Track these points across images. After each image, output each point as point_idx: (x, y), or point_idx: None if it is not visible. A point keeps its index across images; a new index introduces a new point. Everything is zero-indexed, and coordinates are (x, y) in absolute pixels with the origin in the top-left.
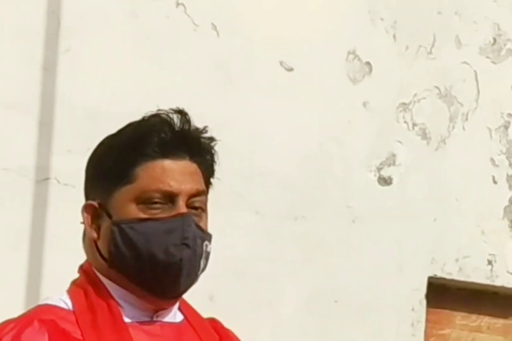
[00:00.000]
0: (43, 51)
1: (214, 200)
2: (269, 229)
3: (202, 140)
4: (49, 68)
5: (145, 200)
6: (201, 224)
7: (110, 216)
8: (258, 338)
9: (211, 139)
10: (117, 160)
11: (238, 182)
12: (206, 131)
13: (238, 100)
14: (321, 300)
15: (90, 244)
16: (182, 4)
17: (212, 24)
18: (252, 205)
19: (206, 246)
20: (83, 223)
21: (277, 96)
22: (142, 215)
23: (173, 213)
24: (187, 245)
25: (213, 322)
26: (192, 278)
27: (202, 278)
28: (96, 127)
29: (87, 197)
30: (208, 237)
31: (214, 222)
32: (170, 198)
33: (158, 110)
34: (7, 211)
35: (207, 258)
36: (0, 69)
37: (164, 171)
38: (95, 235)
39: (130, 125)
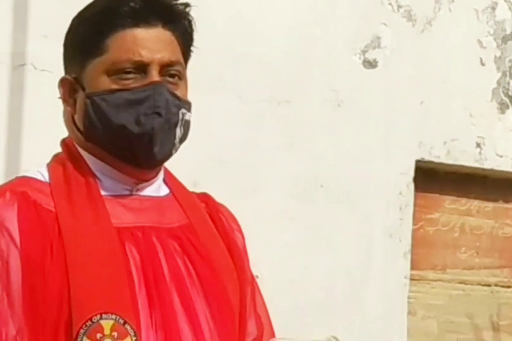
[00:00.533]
0: None
1: (194, 84)
2: (252, 114)
3: (176, 6)
4: None
5: (116, 71)
6: (178, 93)
7: (84, 89)
8: (242, 224)
9: (186, 5)
10: (88, 32)
11: (219, 65)
12: None
13: None
14: (307, 185)
15: (68, 118)
16: None
17: None
18: (233, 90)
19: (183, 114)
20: (60, 97)
21: None
22: (114, 86)
23: (145, 81)
24: (158, 114)
25: (204, 197)
26: (168, 148)
27: (185, 164)
28: (72, 13)
29: (65, 72)
30: (186, 105)
31: (194, 107)
32: (142, 67)
33: None
34: None
35: (185, 127)
36: None
37: (135, 40)
38: (71, 108)
39: None
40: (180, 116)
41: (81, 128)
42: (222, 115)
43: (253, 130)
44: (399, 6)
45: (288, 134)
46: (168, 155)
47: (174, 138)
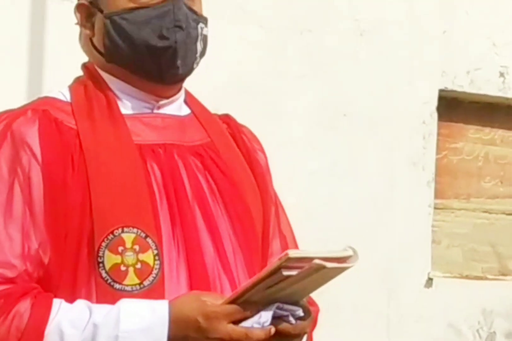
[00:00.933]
0: None
1: (217, 13)
2: (274, 43)
3: None
4: None
5: None
6: (195, 8)
7: (101, 11)
8: (266, 152)
9: None
10: None
11: None
12: None
13: None
14: (330, 114)
15: (86, 42)
16: None
17: None
18: (255, 19)
19: (202, 28)
20: (77, 23)
21: None
22: (132, 4)
23: None
24: (180, 27)
25: (226, 117)
26: (190, 61)
27: (209, 91)
28: None
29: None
30: (203, 20)
31: (215, 35)
32: None
33: None
34: (6, 25)
35: (204, 41)
36: None
37: None
38: (89, 32)
39: None
40: (199, 30)
41: (102, 49)
42: (244, 43)
43: (275, 58)
44: None
45: (311, 63)
46: (190, 69)
47: (196, 52)
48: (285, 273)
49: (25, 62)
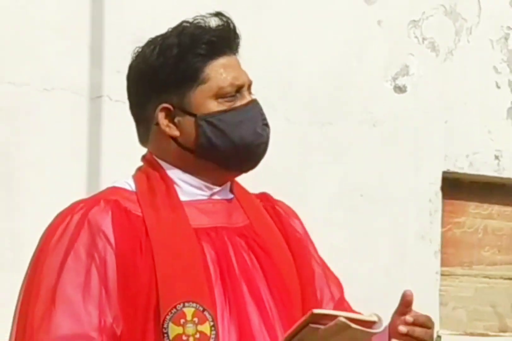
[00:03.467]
0: None
1: None
2: (299, 134)
3: (237, 36)
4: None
5: (222, 94)
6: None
7: (190, 114)
8: None
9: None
10: (185, 68)
11: (270, 93)
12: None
13: (271, 25)
14: (348, 195)
15: (162, 140)
16: None
17: None
18: (283, 114)
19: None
20: (157, 124)
21: (304, 18)
22: (222, 107)
23: (244, 101)
24: (267, 125)
25: (262, 195)
26: (265, 150)
27: (241, 177)
28: None
29: (143, 101)
30: None
31: None
32: (238, 89)
33: (195, 17)
34: (67, 125)
35: None
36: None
37: (226, 67)
38: (176, 132)
39: (177, 29)
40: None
41: (192, 147)
42: (273, 135)
43: (301, 148)
44: (424, 39)
45: (331, 151)
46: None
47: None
48: (312, 325)
49: (85, 159)
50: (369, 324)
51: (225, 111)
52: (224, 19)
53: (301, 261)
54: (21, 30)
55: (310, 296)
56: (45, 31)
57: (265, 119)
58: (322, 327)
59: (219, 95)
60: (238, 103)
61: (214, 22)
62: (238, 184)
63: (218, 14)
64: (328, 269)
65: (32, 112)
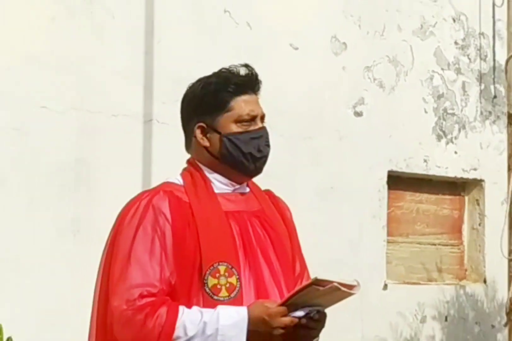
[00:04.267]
0: (143, 41)
1: None
2: (288, 146)
3: (259, 82)
4: (149, 52)
5: (241, 121)
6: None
7: (218, 132)
8: None
9: (260, 81)
10: (218, 97)
11: (268, 116)
12: (258, 77)
13: (269, 69)
14: (322, 188)
15: (199, 149)
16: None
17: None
18: (277, 131)
19: None
20: (195, 136)
21: (293, 63)
22: (239, 129)
23: (257, 127)
24: (268, 145)
25: (268, 192)
26: (264, 164)
27: None
28: (182, 87)
29: (189, 120)
30: None
31: None
32: (253, 118)
33: (230, 66)
34: (128, 140)
35: None
36: (116, 52)
37: (246, 103)
38: (207, 144)
39: (217, 74)
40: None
41: (218, 155)
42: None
43: (289, 155)
44: (375, 79)
45: (311, 158)
46: (262, 169)
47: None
48: (315, 287)
49: (140, 164)
50: (351, 287)
51: (241, 132)
52: (250, 69)
53: (291, 238)
54: (97, 74)
55: (294, 260)
56: (113, 74)
57: (267, 141)
58: (321, 288)
59: (238, 121)
60: (251, 128)
61: (242, 70)
62: (252, 182)
63: (246, 65)
64: (301, 251)
65: (105, 131)
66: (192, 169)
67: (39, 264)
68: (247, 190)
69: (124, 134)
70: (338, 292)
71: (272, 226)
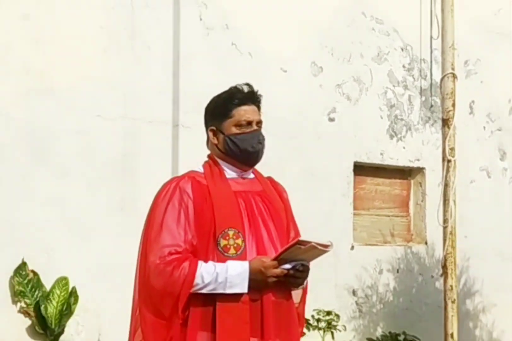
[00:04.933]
0: (172, 66)
1: None
2: (277, 143)
3: (259, 95)
4: (175, 74)
5: (239, 125)
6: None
7: (223, 133)
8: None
9: (260, 95)
10: (224, 108)
11: (265, 122)
12: (258, 92)
13: (264, 85)
14: (304, 175)
15: (212, 146)
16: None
17: None
18: (268, 131)
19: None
20: (209, 136)
21: (280, 84)
22: (238, 131)
23: (251, 129)
24: (260, 143)
25: (269, 178)
26: (260, 157)
27: None
28: (200, 100)
29: (206, 124)
30: (264, 139)
31: None
32: (249, 123)
33: (237, 84)
34: (160, 141)
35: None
36: (152, 75)
37: (245, 111)
38: (217, 142)
39: (226, 91)
40: (264, 144)
41: (223, 150)
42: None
43: (279, 151)
44: (343, 93)
45: (294, 152)
46: (259, 161)
47: (262, 153)
48: (298, 246)
49: (170, 159)
50: (326, 246)
51: (238, 134)
52: (251, 86)
53: (287, 212)
54: (137, 91)
55: (289, 229)
56: (149, 91)
57: (259, 140)
58: (303, 247)
59: (237, 125)
60: (247, 130)
61: (246, 88)
62: (257, 171)
63: (248, 84)
64: (295, 221)
65: (143, 133)
66: (210, 161)
67: (96, 230)
68: (252, 176)
69: (158, 136)
70: (316, 250)
71: (271, 203)
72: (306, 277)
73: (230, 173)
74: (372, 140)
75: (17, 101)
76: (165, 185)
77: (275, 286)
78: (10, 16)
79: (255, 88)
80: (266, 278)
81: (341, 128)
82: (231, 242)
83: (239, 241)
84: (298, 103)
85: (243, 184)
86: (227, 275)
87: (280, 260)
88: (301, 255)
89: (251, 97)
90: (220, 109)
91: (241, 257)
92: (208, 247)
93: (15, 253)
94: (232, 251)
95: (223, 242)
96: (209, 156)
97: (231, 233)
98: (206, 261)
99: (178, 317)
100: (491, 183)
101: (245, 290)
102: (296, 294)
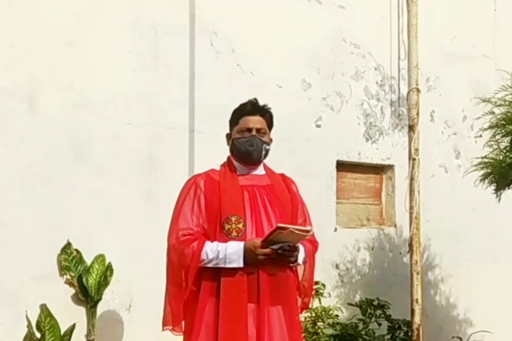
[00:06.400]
0: (188, 82)
1: None
2: (273, 145)
3: (265, 108)
4: (191, 89)
5: (242, 131)
6: (264, 139)
7: (231, 138)
8: None
9: (269, 108)
10: (235, 117)
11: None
12: (266, 106)
13: (265, 102)
14: (293, 171)
15: (229, 148)
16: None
17: None
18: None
19: (265, 146)
20: (227, 141)
21: (277, 98)
22: (240, 136)
23: (249, 135)
24: (252, 145)
25: (281, 174)
26: (259, 156)
27: None
28: (211, 111)
29: (229, 131)
30: (266, 143)
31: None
32: (249, 129)
33: (248, 99)
34: (178, 145)
35: (266, 150)
36: (172, 89)
37: (248, 120)
38: (229, 144)
39: (240, 104)
40: (263, 147)
41: (233, 152)
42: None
43: (275, 151)
44: (328, 105)
45: (287, 152)
46: (258, 160)
47: (260, 154)
48: (279, 231)
49: (187, 162)
50: (306, 231)
51: (239, 138)
52: (257, 101)
53: (294, 203)
54: (161, 103)
55: (295, 217)
56: (170, 103)
57: (252, 143)
58: (284, 231)
59: (240, 131)
60: (246, 135)
61: (252, 102)
62: (269, 168)
63: (255, 99)
64: (307, 212)
65: (165, 138)
66: (227, 161)
67: (127, 217)
68: (263, 172)
69: (177, 140)
70: (295, 234)
71: (276, 195)
72: (294, 256)
73: (240, 170)
74: (351, 142)
75: (63, 113)
76: (186, 182)
77: (271, 262)
78: (56, 43)
79: (261, 102)
80: (256, 255)
81: (325, 133)
82: (234, 226)
83: (240, 225)
84: (290, 113)
85: (250, 179)
86: (226, 252)
87: (269, 241)
88: (286, 238)
89: (257, 109)
90: (232, 118)
91: (241, 238)
92: (216, 230)
93: (62, 235)
94: (234, 233)
95: (227, 226)
96: (228, 156)
97: (233, 218)
98: (213, 241)
99: (190, 288)
100: (448, 177)
101: (241, 265)
102: (300, 271)
